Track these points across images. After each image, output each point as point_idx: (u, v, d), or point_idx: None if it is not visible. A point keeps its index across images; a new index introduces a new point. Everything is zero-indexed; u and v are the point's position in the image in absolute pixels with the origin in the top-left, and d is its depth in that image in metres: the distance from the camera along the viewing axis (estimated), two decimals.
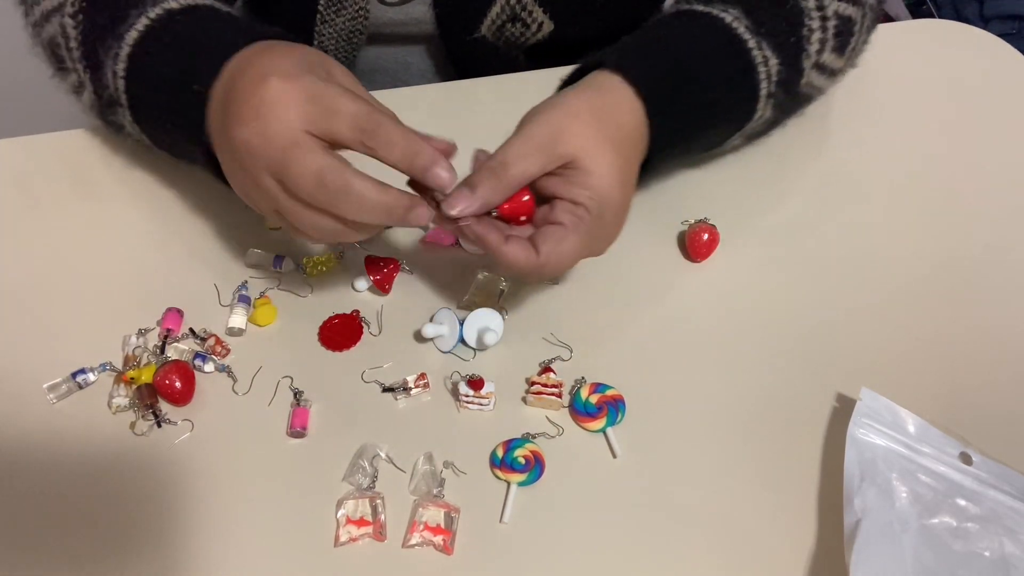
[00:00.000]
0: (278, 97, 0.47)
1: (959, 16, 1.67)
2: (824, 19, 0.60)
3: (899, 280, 0.62)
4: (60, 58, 0.62)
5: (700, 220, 0.63)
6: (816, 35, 0.60)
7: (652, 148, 0.56)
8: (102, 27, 0.58)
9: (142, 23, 0.55)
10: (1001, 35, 0.79)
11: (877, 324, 0.59)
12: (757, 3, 0.60)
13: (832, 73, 0.64)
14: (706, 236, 0.62)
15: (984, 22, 1.64)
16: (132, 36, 0.56)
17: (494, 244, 0.50)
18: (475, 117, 0.71)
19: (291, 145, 0.47)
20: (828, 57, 0.62)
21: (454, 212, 0.49)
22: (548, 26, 0.72)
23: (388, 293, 0.60)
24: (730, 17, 0.58)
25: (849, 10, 0.61)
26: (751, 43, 0.58)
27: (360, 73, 0.81)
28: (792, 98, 0.62)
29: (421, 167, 0.47)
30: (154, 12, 0.56)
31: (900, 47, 0.78)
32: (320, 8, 0.72)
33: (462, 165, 0.51)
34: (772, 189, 0.67)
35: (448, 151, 0.50)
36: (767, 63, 0.59)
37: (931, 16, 1.71)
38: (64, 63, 0.62)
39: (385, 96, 0.73)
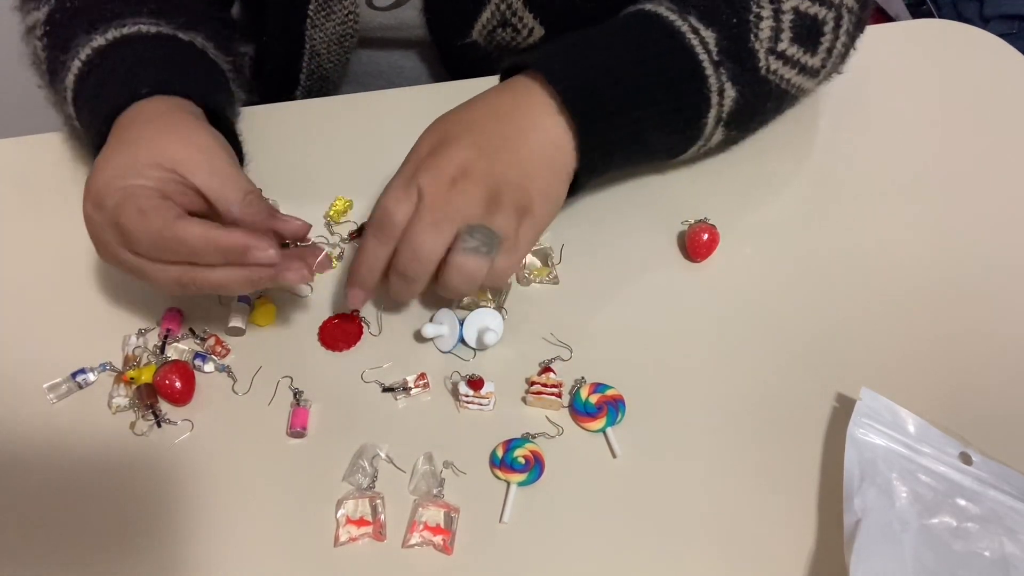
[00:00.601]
0: (89, 219, 0.52)
1: (959, 16, 1.67)
2: (778, 12, 0.59)
3: (899, 280, 0.62)
4: (40, 76, 0.65)
5: (700, 220, 0.63)
6: (766, 23, 0.59)
7: (577, 120, 0.55)
8: (57, 59, 0.61)
9: (75, 67, 0.59)
10: (1001, 35, 0.79)
11: (877, 324, 0.59)
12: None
13: (809, 71, 0.63)
14: (706, 236, 0.62)
15: (984, 22, 1.64)
16: (70, 80, 0.59)
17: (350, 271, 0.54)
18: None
19: (117, 204, 0.50)
20: (792, 49, 0.61)
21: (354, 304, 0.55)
22: (539, 31, 0.72)
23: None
24: (651, 5, 0.59)
25: (813, 8, 0.60)
26: (672, 17, 0.58)
27: (353, 77, 0.81)
28: (758, 80, 0.60)
29: (238, 253, 0.49)
30: (84, 54, 0.59)
31: (900, 47, 0.78)
32: (310, 13, 0.72)
33: None
34: (772, 189, 0.67)
35: (292, 230, 0.53)
36: (697, 33, 0.58)
37: (931, 16, 1.71)
38: (44, 82, 0.65)
39: (377, 98, 0.74)
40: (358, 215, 0.65)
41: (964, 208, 0.66)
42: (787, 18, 0.60)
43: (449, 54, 0.77)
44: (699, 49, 0.58)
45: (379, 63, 0.80)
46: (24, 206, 0.66)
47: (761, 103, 0.63)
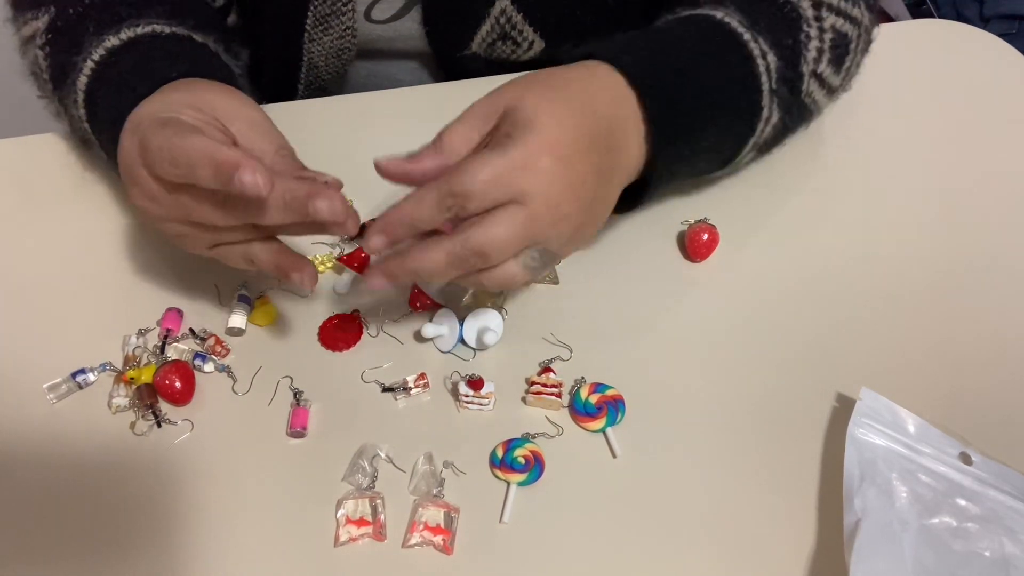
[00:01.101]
0: (123, 148, 0.50)
1: (959, 16, 1.67)
2: (822, 30, 0.59)
3: (899, 280, 0.62)
4: (40, 86, 0.64)
5: (700, 220, 0.63)
6: (814, 43, 0.59)
7: (656, 142, 0.53)
8: (62, 66, 0.59)
9: (88, 68, 0.57)
10: (1001, 35, 0.79)
11: (877, 324, 0.59)
12: (751, 5, 0.58)
13: (830, 90, 0.63)
14: (706, 236, 0.62)
15: (984, 22, 1.64)
16: (83, 82, 0.57)
17: (419, 172, 0.49)
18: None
19: (147, 127, 0.48)
20: (826, 70, 0.61)
21: (392, 172, 0.50)
22: (539, 44, 0.72)
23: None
24: (720, 14, 0.57)
25: (846, 26, 0.61)
26: (746, 36, 0.56)
27: (351, 87, 0.81)
28: (798, 104, 0.60)
29: (228, 169, 0.44)
30: (98, 54, 0.57)
31: (900, 47, 0.78)
32: (308, 27, 0.72)
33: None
34: (772, 189, 0.67)
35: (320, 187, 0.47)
36: (765, 57, 0.57)
37: (931, 16, 1.71)
38: (44, 92, 0.64)
39: (377, 98, 0.73)
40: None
41: (964, 208, 0.66)
42: (828, 37, 0.59)
43: (448, 66, 0.77)
44: (764, 79, 0.56)
45: (378, 74, 0.80)
46: (24, 206, 0.66)
47: (794, 127, 0.63)
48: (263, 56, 0.79)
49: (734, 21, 0.57)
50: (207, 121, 0.49)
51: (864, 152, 0.70)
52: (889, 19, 1.73)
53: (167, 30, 0.59)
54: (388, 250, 0.50)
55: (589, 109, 0.49)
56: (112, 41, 0.57)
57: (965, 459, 0.52)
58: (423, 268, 0.48)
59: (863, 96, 0.73)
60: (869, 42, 0.65)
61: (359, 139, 0.70)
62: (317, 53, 0.74)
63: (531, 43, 0.72)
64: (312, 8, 0.70)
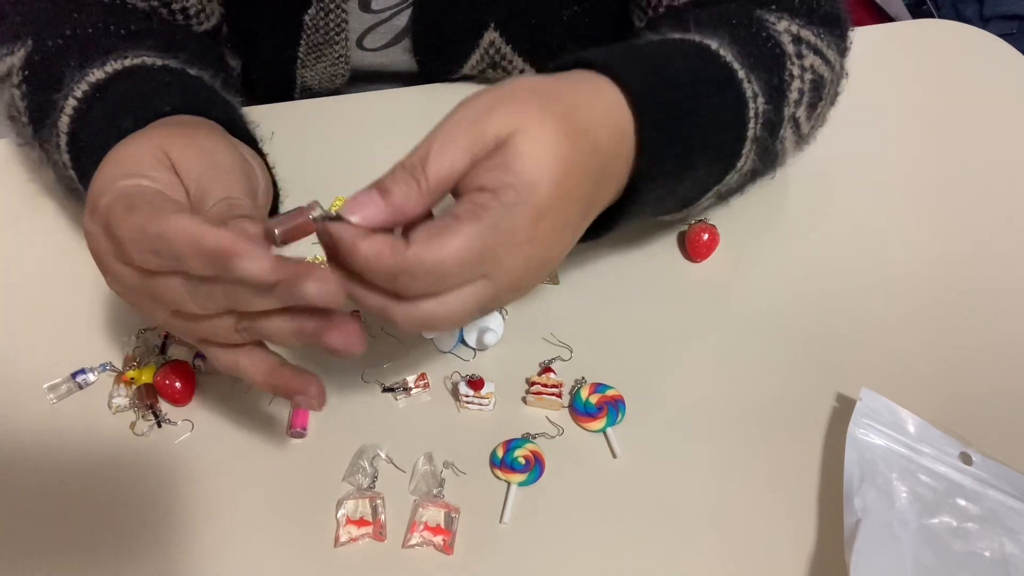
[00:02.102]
0: (88, 232, 0.42)
1: (959, 16, 1.67)
2: (803, 68, 0.56)
3: (899, 280, 0.62)
4: (19, 131, 0.58)
5: (700, 220, 0.63)
6: (796, 83, 0.55)
7: (640, 168, 0.46)
8: (41, 106, 0.54)
9: (70, 107, 0.51)
10: (1001, 35, 0.79)
11: (877, 324, 0.59)
12: (741, 36, 0.54)
13: (799, 138, 0.59)
14: (706, 236, 0.62)
15: (984, 22, 1.64)
16: (64, 123, 0.52)
17: (348, 239, 0.37)
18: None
19: (109, 203, 0.40)
20: (801, 115, 0.56)
21: (355, 219, 0.38)
22: (529, 72, 0.72)
23: None
24: (716, 43, 0.52)
25: (822, 68, 0.57)
26: (741, 73, 0.52)
27: None
28: (771, 151, 0.56)
29: (222, 258, 0.36)
30: (80, 90, 0.51)
31: (900, 47, 0.78)
32: (300, 55, 0.72)
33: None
34: (772, 189, 0.67)
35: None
36: (756, 99, 0.52)
37: (931, 16, 1.71)
38: (23, 137, 0.58)
39: (377, 98, 0.73)
40: None
41: (964, 208, 0.66)
42: (808, 78, 0.56)
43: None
44: (751, 124, 0.52)
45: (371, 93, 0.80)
46: (24, 206, 0.66)
47: (759, 175, 0.59)
48: (257, 76, 0.79)
49: (729, 55, 0.52)
50: (176, 182, 0.43)
51: (864, 152, 0.70)
52: (889, 19, 1.73)
53: (158, 62, 0.54)
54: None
55: (591, 147, 0.42)
56: (97, 75, 0.51)
57: (965, 459, 0.52)
58: (353, 295, 0.40)
59: (863, 96, 0.73)
60: (836, 93, 0.62)
61: (359, 139, 0.70)
62: (310, 77, 0.74)
63: (521, 70, 0.72)
64: (304, 37, 0.70)
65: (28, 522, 0.51)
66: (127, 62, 0.53)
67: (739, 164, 0.54)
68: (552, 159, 0.39)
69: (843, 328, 0.59)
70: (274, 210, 0.54)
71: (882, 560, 0.47)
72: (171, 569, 0.49)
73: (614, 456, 0.53)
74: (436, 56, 0.72)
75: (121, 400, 0.55)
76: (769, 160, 0.58)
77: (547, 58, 0.71)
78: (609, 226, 0.49)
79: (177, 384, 0.55)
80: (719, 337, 0.59)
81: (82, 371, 0.56)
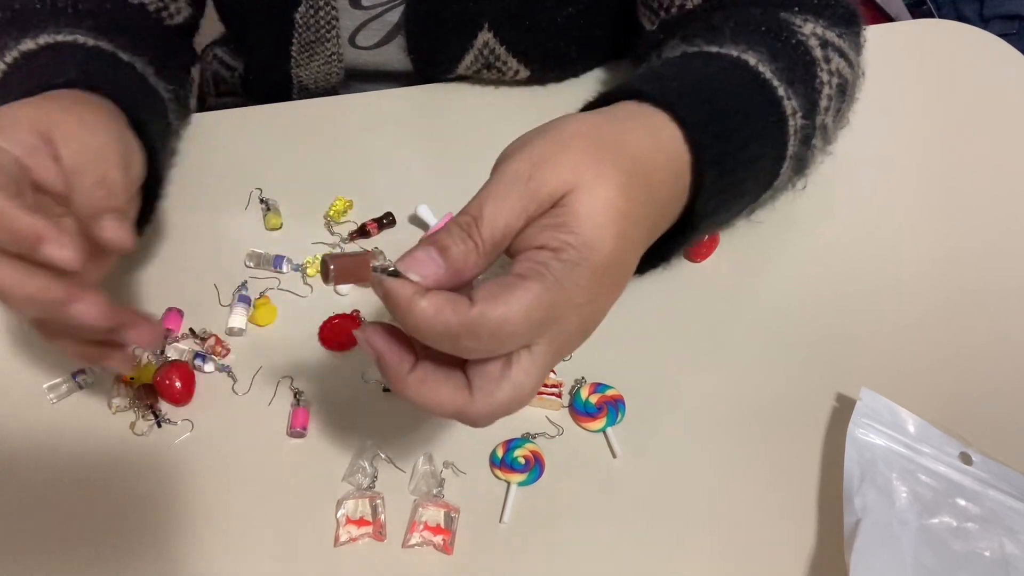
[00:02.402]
0: None
1: (959, 16, 1.67)
2: (830, 73, 0.54)
3: (899, 280, 0.62)
4: None
5: None
6: (826, 90, 0.53)
7: (696, 207, 0.45)
8: None
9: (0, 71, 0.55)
10: (1001, 35, 0.79)
11: (877, 324, 0.59)
12: (776, 48, 0.52)
13: (827, 142, 0.58)
14: (706, 236, 0.62)
15: (984, 22, 1.64)
16: None
17: (406, 296, 0.36)
18: (458, 119, 0.71)
19: None
20: (829, 119, 0.55)
21: (415, 278, 0.37)
22: (524, 72, 0.72)
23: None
24: (754, 59, 0.50)
25: (846, 71, 0.56)
26: (780, 91, 0.50)
27: None
28: (801, 164, 0.55)
29: (30, 241, 0.39)
30: (11, 57, 0.55)
31: (900, 47, 0.78)
32: (293, 54, 0.72)
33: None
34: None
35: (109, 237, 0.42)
36: (794, 116, 0.51)
37: (931, 16, 1.71)
38: None
39: (377, 98, 0.73)
40: (358, 215, 0.65)
41: (965, 208, 0.66)
42: (835, 82, 0.54)
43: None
44: (790, 143, 0.51)
45: (369, 93, 0.80)
46: None
47: (785, 189, 0.57)
48: (255, 77, 0.79)
49: (768, 71, 0.50)
50: (40, 148, 0.45)
51: (864, 152, 0.70)
52: (889, 19, 1.73)
53: (90, 42, 0.56)
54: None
55: (648, 196, 0.41)
56: (28, 45, 0.54)
57: (965, 459, 0.52)
58: (420, 401, 0.40)
59: (863, 96, 0.73)
60: (854, 97, 0.60)
61: (359, 139, 0.70)
62: (305, 76, 0.75)
63: (516, 71, 0.72)
64: (296, 35, 0.71)
65: (28, 522, 0.51)
66: (59, 37, 0.55)
67: (776, 183, 0.53)
68: (611, 216, 0.38)
69: (843, 328, 0.59)
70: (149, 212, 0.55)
71: (882, 560, 0.47)
72: (171, 569, 0.49)
73: (614, 456, 0.53)
74: (430, 55, 0.72)
75: (121, 400, 0.55)
76: (800, 171, 0.57)
77: (542, 60, 0.71)
78: (654, 262, 0.47)
79: (177, 384, 0.55)
80: (719, 337, 0.59)
81: (82, 371, 0.56)
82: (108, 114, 0.50)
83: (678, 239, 0.46)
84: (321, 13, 0.69)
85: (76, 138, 0.46)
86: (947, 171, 0.69)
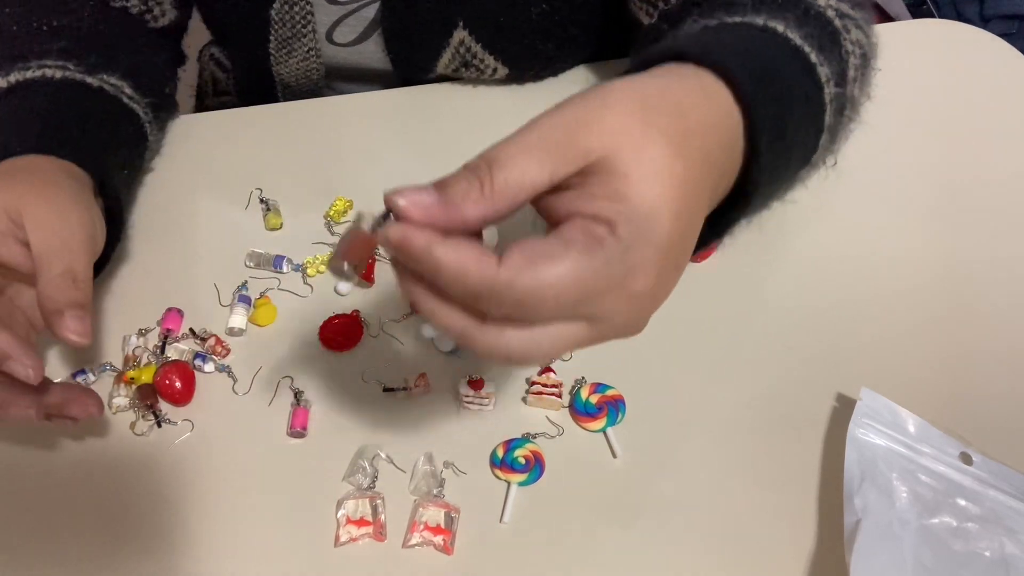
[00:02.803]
0: None
1: (959, 16, 1.67)
2: (853, 43, 0.51)
3: (899, 280, 0.62)
4: None
5: None
6: (851, 60, 0.50)
7: (750, 178, 0.40)
8: None
9: None
10: (1001, 35, 0.79)
11: (877, 324, 0.59)
12: (800, 15, 0.48)
13: (855, 117, 0.53)
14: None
15: (984, 22, 1.64)
16: None
17: (422, 244, 0.32)
18: (460, 120, 0.71)
19: None
20: (857, 90, 0.51)
21: (402, 202, 0.33)
22: (503, 71, 0.72)
23: (373, 283, 0.60)
24: (782, 26, 0.46)
25: (865, 42, 0.52)
26: (813, 57, 0.46)
27: None
28: (834, 137, 0.51)
29: None
30: None
31: (900, 47, 0.78)
32: (271, 50, 0.72)
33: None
34: None
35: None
36: (828, 84, 0.47)
37: (931, 16, 1.71)
38: None
39: (377, 97, 0.73)
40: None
41: (965, 208, 0.66)
42: (858, 52, 0.51)
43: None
44: (827, 112, 0.47)
45: (352, 93, 0.80)
46: None
47: (817, 165, 0.53)
48: (238, 75, 0.79)
49: (797, 38, 0.46)
50: (8, 231, 0.47)
51: (864, 152, 0.70)
52: (889, 19, 1.73)
53: (58, 75, 0.57)
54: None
55: (703, 159, 0.36)
56: (1, 84, 0.56)
57: (965, 459, 0.52)
58: (428, 317, 0.35)
59: None
60: (875, 69, 0.56)
61: (359, 139, 0.70)
62: (286, 74, 0.75)
63: (494, 69, 0.72)
64: (273, 32, 0.71)
65: (28, 522, 0.51)
66: (28, 74, 0.56)
67: (814, 158, 0.49)
68: (669, 182, 0.33)
69: (843, 328, 0.59)
70: (110, 251, 0.56)
71: (882, 560, 0.47)
72: (171, 568, 0.49)
73: (614, 456, 0.53)
74: (408, 52, 0.72)
75: (121, 400, 0.55)
76: (832, 144, 0.52)
77: (519, 57, 0.71)
78: (708, 238, 0.42)
79: (177, 384, 0.55)
80: (719, 337, 0.59)
81: (82, 371, 0.56)
82: (75, 193, 0.51)
83: (734, 212, 0.42)
84: (296, 8, 0.69)
85: (46, 224, 0.47)
86: (947, 171, 0.69)
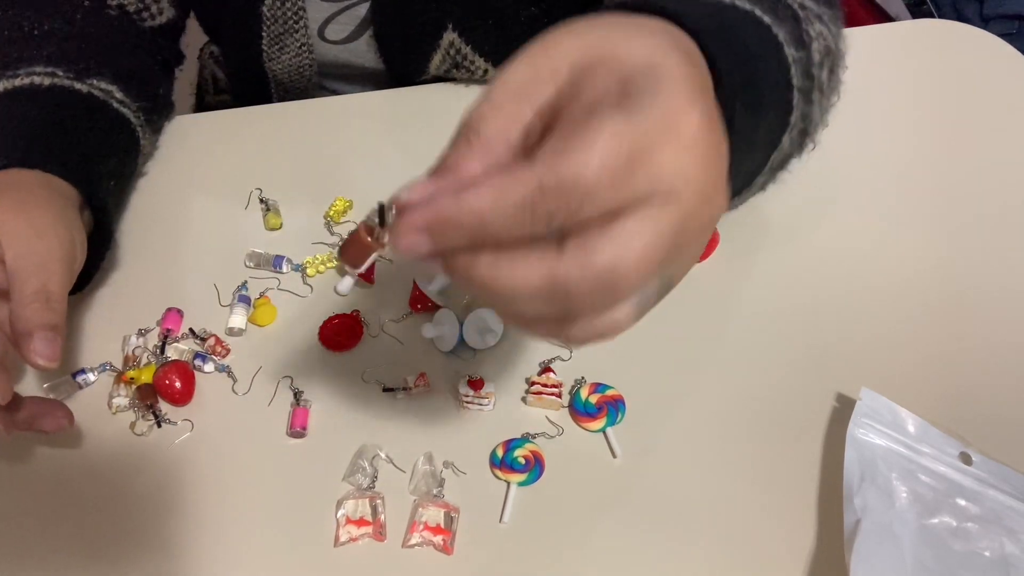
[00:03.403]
0: None
1: (959, 16, 1.67)
2: (816, 33, 0.52)
3: (899, 280, 0.62)
4: None
5: None
6: (815, 44, 0.50)
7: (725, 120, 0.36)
8: None
9: None
10: (1001, 35, 0.79)
11: (877, 324, 0.59)
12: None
13: (825, 107, 0.53)
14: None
15: (984, 22, 1.64)
16: None
17: (449, 201, 0.30)
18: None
19: None
20: (824, 78, 0.51)
21: (405, 196, 0.33)
22: (493, 72, 0.72)
23: (374, 283, 0.60)
24: (768, 18, 0.46)
25: (830, 39, 0.52)
26: (767, 19, 0.45)
27: None
28: (810, 107, 0.50)
29: None
30: None
31: (900, 47, 0.78)
32: (264, 47, 0.73)
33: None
34: (771, 188, 0.67)
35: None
36: (788, 46, 0.46)
37: (931, 16, 1.71)
38: None
39: (377, 97, 0.73)
40: (358, 215, 0.65)
41: (964, 208, 0.66)
42: (822, 43, 0.51)
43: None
44: (792, 71, 0.46)
45: (345, 92, 0.80)
46: None
47: (800, 148, 0.53)
48: (232, 73, 0.79)
49: (747, 3, 0.46)
50: None
51: (864, 152, 0.70)
52: (889, 19, 1.73)
53: (46, 82, 0.57)
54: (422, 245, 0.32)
55: (692, 58, 0.33)
56: None
57: (965, 459, 0.52)
58: (500, 286, 0.31)
59: (863, 96, 0.73)
60: (843, 68, 0.55)
61: (359, 139, 0.70)
62: (279, 71, 0.75)
63: (485, 71, 0.72)
64: (265, 28, 0.71)
65: (28, 522, 0.51)
66: (16, 83, 0.57)
67: (792, 119, 0.47)
68: (661, 46, 0.30)
69: (843, 328, 0.59)
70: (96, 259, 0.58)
71: (882, 560, 0.47)
72: (171, 568, 0.49)
73: (614, 456, 0.53)
74: (399, 53, 0.72)
75: (121, 400, 0.55)
76: (811, 128, 0.51)
77: (506, 56, 0.70)
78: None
79: (177, 384, 0.55)
80: (719, 337, 0.59)
81: (82, 371, 0.56)
82: (57, 210, 0.51)
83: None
84: (288, 4, 0.69)
85: (23, 241, 0.47)
86: (947, 171, 0.69)
